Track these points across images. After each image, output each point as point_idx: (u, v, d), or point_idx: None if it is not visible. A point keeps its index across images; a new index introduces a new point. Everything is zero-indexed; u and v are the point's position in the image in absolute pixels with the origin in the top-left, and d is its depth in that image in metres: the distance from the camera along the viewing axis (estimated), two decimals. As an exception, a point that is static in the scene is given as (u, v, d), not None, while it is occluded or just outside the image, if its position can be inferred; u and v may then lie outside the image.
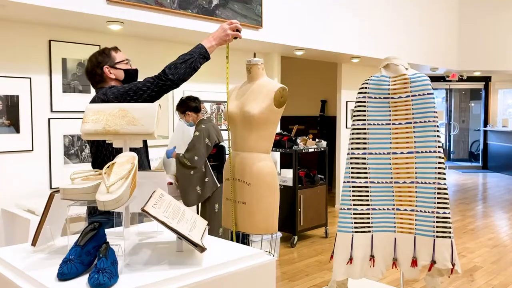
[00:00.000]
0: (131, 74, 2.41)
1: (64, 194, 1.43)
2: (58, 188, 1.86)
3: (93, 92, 4.18)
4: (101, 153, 2.24)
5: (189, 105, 4.04)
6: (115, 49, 2.42)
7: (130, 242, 1.69)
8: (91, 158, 2.34)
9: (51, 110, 3.99)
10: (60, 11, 3.41)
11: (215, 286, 1.42)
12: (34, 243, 1.59)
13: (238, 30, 2.35)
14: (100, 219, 2.13)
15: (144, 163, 2.36)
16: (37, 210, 3.41)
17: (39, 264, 1.46)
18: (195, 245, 1.45)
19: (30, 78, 3.86)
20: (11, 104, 3.75)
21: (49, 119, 3.97)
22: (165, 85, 2.18)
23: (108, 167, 1.50)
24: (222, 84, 5.38)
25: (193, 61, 2.20)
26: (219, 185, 4.00)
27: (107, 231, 1.82)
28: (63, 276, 1.32)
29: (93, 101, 2.24)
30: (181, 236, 1.43)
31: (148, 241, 1.72)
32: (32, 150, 3.89)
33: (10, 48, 3.77)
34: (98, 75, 2.35)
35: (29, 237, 3.30)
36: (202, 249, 1.46)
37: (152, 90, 2.17)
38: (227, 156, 4.10)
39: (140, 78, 2.37)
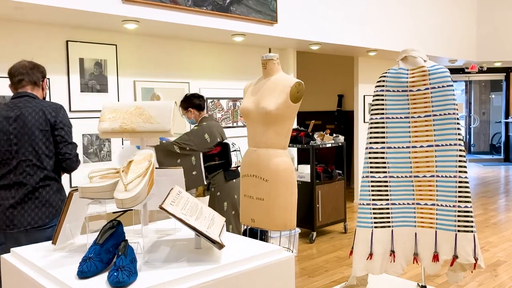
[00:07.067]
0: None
1: (82, 193, 1.44)
2: (77, 187, 1.87)
3: (110, 91, 4.22)
4: None
5: (192, 102, 3.89)
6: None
7: (149, 240, 1.70)
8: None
9: (70, 110, 4.03)
10: (76, 12, 3.44)
11: (234, 283, 1.42)
12: (54, 242, 1.60)
13: None
14: None
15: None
16: (58, 208, 3.45)
17: (59, 262, 1.48)
18: (213, 242, 1.44)
19: (48, 78, 3.90)
20: (31, 105, 3.80)
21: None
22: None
23: (125, 165, 1.50)
24: (237, 81, 5.37)
25: None
26: (205, 182, 3.82)
27: (125, 229, 1.83)
28: (83, 274, 1.33)
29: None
30: (199, 233, 1.42)
31: (166, 238, 1.72)
32: (52, 149, 3.94)
33: (28, 49, 3.82)
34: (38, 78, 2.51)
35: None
36: (220, 246, 1.45)
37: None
38: (233, 154, 4.02)
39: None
